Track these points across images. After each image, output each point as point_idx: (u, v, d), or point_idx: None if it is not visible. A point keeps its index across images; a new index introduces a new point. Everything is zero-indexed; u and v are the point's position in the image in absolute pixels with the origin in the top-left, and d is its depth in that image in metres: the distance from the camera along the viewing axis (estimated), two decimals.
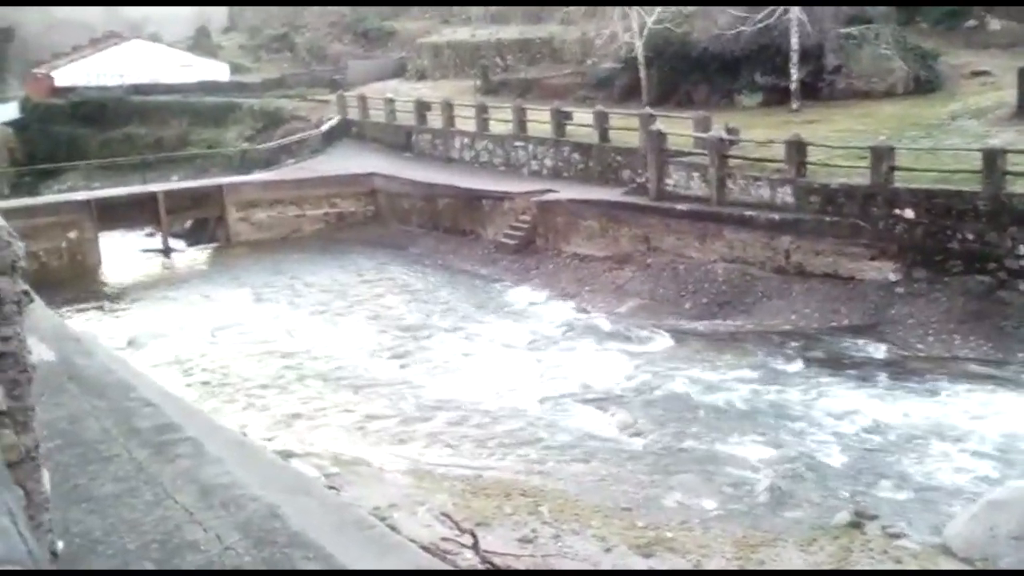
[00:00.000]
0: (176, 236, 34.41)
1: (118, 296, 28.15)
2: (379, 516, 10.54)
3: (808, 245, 22.68)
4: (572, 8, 44.27)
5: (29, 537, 1.99)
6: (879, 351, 19.65)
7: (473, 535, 11.29)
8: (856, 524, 12.55)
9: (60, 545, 3.40)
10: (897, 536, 12.19)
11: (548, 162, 32.24)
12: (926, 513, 13.05)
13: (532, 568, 10.99)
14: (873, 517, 12.77)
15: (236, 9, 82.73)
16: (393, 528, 9.77)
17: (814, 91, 33.78)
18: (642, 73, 36.87)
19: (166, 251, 33.00)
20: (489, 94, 43.66)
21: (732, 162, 25.09)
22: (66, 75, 56.27)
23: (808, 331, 20.94)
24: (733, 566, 11.34)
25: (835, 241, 22.29)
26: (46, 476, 2.85)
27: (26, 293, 2.71)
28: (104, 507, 6.73)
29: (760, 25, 32.53)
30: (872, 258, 21.80)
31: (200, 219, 34.71)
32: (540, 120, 32.87)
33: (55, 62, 60.20)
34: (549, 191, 29.30)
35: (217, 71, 59.22)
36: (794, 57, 32.68)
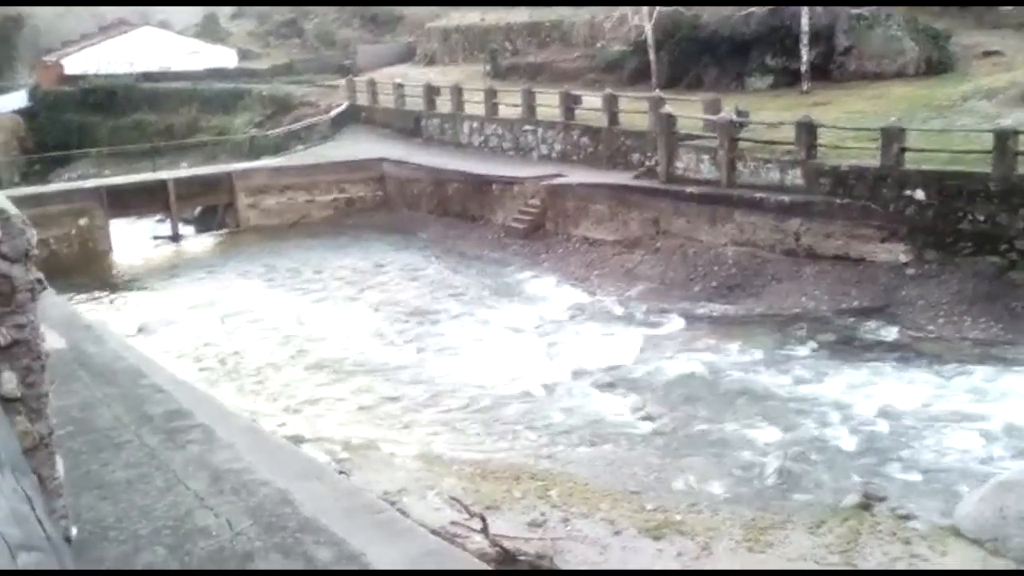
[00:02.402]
0: (186, 222, 34.52)
1: (128, 283, 28.26)
2: (389, 500, 10.61)
3: (818, 227, 22.64)
4: None
5: (47, 522, 2.03)
6: (890, 333, 19.64)
7: (483, 519, 11.34)
8: (865, 506, 12.58)
9: (74, 531, 3.45)
10: (906, 518, 12.21)
11: (557, 146, 32.18)
12: (935, 495, 13.06)
13: (542, 551, 11.04)
14: (882, 499, 12.79)
15: None
16: (403, 512, 9.83)
17: (825, 73, 33.63)
18: (652, 56, 36.73)
19: (176, 238, 33.09)
20: (498, 78, 43.57)
21: (742, 144, 25.02)
22: (76, 63, 56.36)
23: (818, 313, 20.92)
24: (742, 548, 11.39)
25: (845, 223, 22.24)
26: (59, 463, 2.88)
27: (39, 281, 2.74)
28: (116, 493, 6.79)
29: (770, 7, 32.38)
30: (883, 240, 21.75)
31: (210, 206, 34.81)
32: (549, 104, 32.77)
33: (65, 50, 60.31)
34: (558, 175, 29.26)
35: (226, 57, 59.26)
36: (804, 39, 32.54)
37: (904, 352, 18.72)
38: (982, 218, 20.36)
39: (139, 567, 5.79)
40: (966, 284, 20.12)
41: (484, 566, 8.07)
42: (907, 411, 16.01)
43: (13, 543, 1.77)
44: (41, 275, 2.78)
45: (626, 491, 13.40)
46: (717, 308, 22.08)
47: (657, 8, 35.92)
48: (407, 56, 54.92)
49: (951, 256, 20.71)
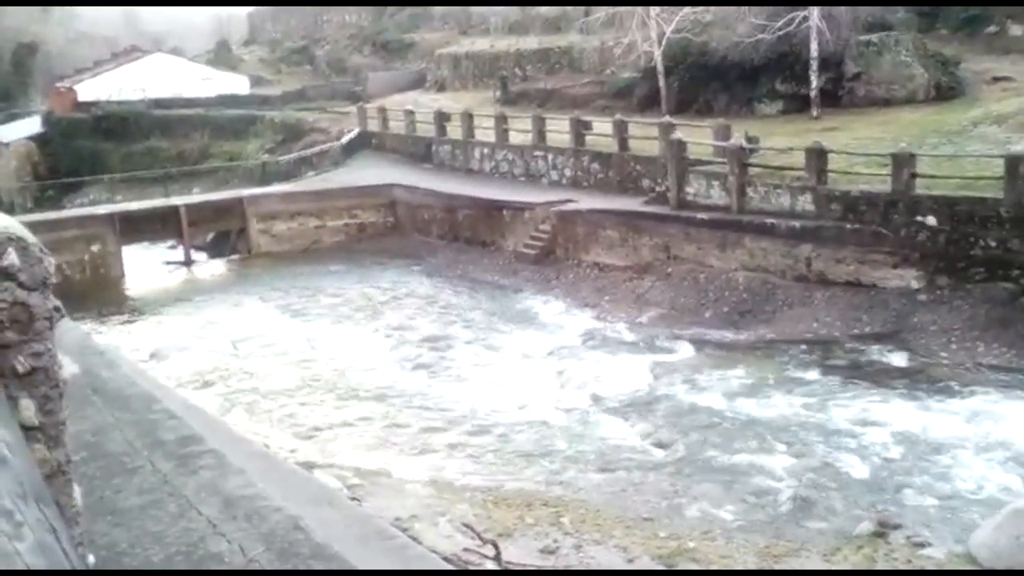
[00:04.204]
0: (198, 248, 34.64)
1: (140, 308, 28.33)
2: (401, 527, 10.57)
3: (829, 253, 22.60)
4: (591, 17, 44.32)
5: (72, 553, 2.02)
6: (901, 359, 19.55)
7: (495, 546, 11.29)
8: (880, 534, 12.50)
9: (92, 559, 3.44)
10: (921, 545, 12.13)
11: (568, 172, 32.25)
12: (950, 522, 12.97)
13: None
14: (897, 526, 12.71)
15: (256, 22, 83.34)
16: (415, 539, 9.79)
17: (834, 98, 33.68)
18: (661, 82, 36.85)
19: (188, 263, 33.21)
20: (508, 104, 43.73)
21: (752, 170, 25.05)
22: (89, 89, 56.76)
23: (830, 339, 20.85)
24: None
25: (856, 249, 22.21)
26: (77, 490, 2.88)
27: (57, 309, 2.75)
28: (129, 519, 6.77)
29: (779, 33, 32.48)
30: (894, 266, 21.71)
31: (222, 231, 34.94)
32: (559, 130, 32.87)
33: (78, 76, 60.78)
34: (569, 201, 29.31)
35: (238, 84, 59.62)
36: (814, 65, 32.61)
37: (916, 378, 18.62)
38: (994, 244, 20.31)
39: None
40: (978, 310, 20.04)
41: None
42: (920, 437, 15.92)
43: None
44: (59, 303, 2.79)
45: (639, 518, 13.34)
46: (728, 334, 22.03)
47: (667, 34, 36.05)
48: (418, 83, 55.22)
49: (963, 282, 20.65)
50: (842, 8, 32.49)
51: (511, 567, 10.86)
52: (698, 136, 27.83)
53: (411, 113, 40.89)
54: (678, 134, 27.29)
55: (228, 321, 25.97)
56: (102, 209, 34.08)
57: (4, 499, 1.84)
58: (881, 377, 18.82)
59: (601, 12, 42.08)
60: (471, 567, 10.40)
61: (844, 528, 12.86)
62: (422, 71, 56.49)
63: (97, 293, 28.75)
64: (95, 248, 30.71)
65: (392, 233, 34.64)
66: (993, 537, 11.55)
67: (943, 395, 17.70)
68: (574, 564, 11.43)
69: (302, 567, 6.10)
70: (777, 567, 11.50)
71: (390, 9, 67.80)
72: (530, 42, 50.64)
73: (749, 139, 26.09)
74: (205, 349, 23.40)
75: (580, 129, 32.09)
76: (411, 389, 20.10)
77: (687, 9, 36.48)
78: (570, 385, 19.80)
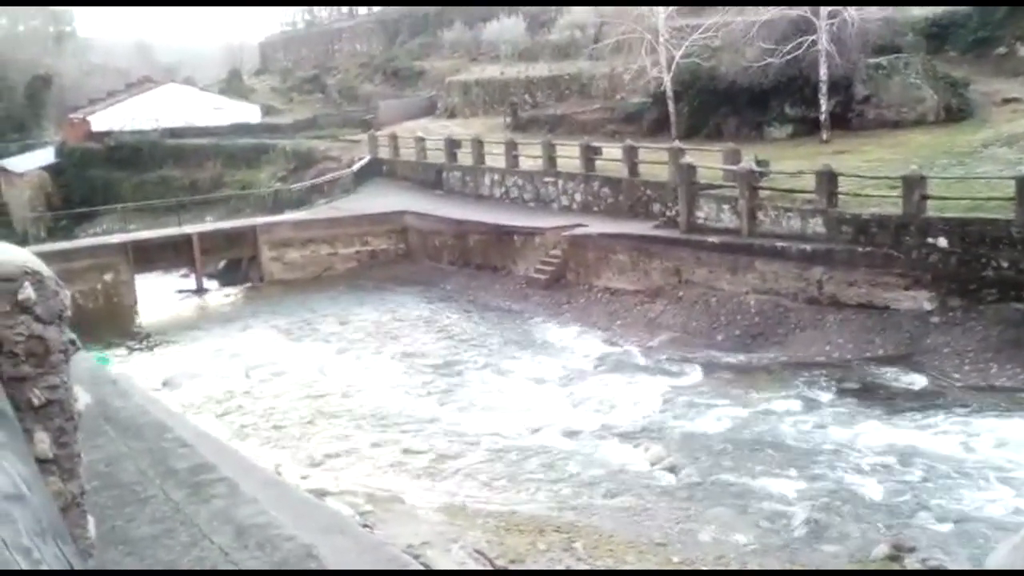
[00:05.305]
0: (210, 276, 34.77)
1: (153, 337, 28.42)
2: (413, 554, 10.56)
3: (841, 275, 22.58)
4: (600, 44, 44.45)
5: None
6: (915, 381, 19.48)
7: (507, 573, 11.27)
8: (894, 557, 12.43)
9: None
10: (937, 569, 12.04)
11: (578, 197, 32.33)
12: (965, 545, 12.90)
13: None
14: (912, 549, 12.64)
15: (268, 52, 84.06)
16: (427, 566, 9.79)
17: (844, 122, 33.71)
18: (671, 107, 36.95)
19: (200, 291, 33.34)
20: (518, 131, 43.85)
21: (762, 194, 25.06)
22: (102, 119, 57.18)
23: (843, 362, 20.80)
24: None
25: (868, 271, 22.18)
26: (91, 523, 2.91)
27: (72, 342, 2.79)
28: (141, 548, 6.79)
29: (788, 57, 32.57)
30: (906, 288, 21.66)
31: (234, 259, 35.08)
32: (569, 155, 33.00)
33: (91, 107, 61.24)
34: (579, 226, 29.36)
35: (249, 113, 59.98)
36: (823, 88, 32.66)
37: (930, 400, 18.56)
38: (1006, 265, 20.27)
39: None
40: (991, 331, 19.98)
41: None
42: (934, 460, 15.85)
43: None
44: (75, 336, 2.83)
45: (652, 543, 13.30)
46: (740, 357, 21.99)
47: (676, 59, 36.17)
48: (428, 110, 55.47)
49: (976, 303, 20.60)
50: (851, 31, 32.55)
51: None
52: (708, 160, 27.88)
53: (422, 140, 41.08)
54: (688, 158, 27.36)
55: (240, 348, 26.05)
56: (115, 238, 34.23)
57: (23, 537, 1.86)
58: (894, 399, 18.76)
59: (611, 39, 42.19)
60: None
61: (859, 552, 12.80)
62: (432, 98, 56.75)
63: (110, 322, 28.83)
64: (108, 277, 30.83)
65: (404, 260, 34.74)
66: (1009, 559, 11.42)
67: (957, 417, 17.63)
68: None
69: None
70: None
71: (400, 37, 68.27)
72: (540, 69, 50.84)
73: (759, 163, 26.13)
74: (217, 376, 23.49)
75: (590, 154, 32.20)
76: (422, 415, 20.11)
77: (696, 34, 36.59)
78: (582, 410, 19.78)
